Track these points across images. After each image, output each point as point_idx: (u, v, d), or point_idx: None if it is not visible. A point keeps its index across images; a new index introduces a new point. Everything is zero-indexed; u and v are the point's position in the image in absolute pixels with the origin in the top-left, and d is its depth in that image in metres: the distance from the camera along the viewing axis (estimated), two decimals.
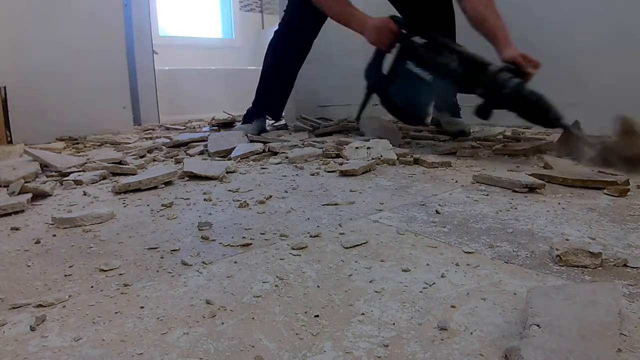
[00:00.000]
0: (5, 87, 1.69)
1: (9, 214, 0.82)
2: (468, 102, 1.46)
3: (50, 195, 0.96)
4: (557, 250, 0.57)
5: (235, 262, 0.59)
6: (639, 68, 1.54)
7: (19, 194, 0.91)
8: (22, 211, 0.84)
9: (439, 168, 1.16)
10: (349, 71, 2.41)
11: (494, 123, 1.70)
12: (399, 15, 1.49)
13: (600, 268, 0.55)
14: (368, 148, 1.29)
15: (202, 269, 0.57)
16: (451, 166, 1.18)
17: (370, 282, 0.53)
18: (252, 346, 0.40)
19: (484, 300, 0.48)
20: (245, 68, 4.09)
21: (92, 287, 0.53)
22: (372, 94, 1.49)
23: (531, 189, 0.90)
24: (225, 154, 1.41)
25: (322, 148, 1.39)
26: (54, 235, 0.71)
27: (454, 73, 1.28)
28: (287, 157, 1.30)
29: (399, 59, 1.39)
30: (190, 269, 0.57)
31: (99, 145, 1.70)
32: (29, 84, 1.77)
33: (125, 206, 0.87)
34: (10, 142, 1.69)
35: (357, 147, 1.30)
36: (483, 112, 1.23)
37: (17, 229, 0.75)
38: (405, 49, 1.38)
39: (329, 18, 1.67)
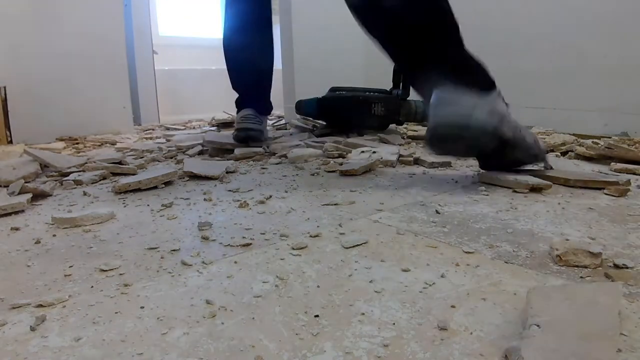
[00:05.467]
0: (5, 87, 1.69)
1: (9, 214, 0.82)
2: None
3: (50, 195, 0.96)
4: (557, 250, 0.57)
5: (235, 262, 0.59)
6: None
7: (19, 194, 0.91)
8: (22, 211, 0.84)
9: (439, 168, 1.16)
10: (349, 71, 2.42)
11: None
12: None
13: (600, 268, 0.55)
14: (373, 152, 1.28)
15: (202, 269, 0.57)
16: (451, 166, 1.18)
17: (370, 282, 0.53)
18: (252, 346, 0.40)
19: (484, 300, 0.48)
20: None
21: (92, 287, 0.53)
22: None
23: (533, 189, 0.90)
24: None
25: (322, 148, 1.39)
26: (54, 235, 0.71)
27: None
28: (287, 157, 1.30)
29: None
30: (190, 269, 0.57)
31: (99, 145, 1.70)
32: (29, 84, 1.77)
33: (125, 206, 0.87)
34: (10, 142, 1.69)
35: (362, 151, 1.29)
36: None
37: (17, 229, 0.75)
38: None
39: None
